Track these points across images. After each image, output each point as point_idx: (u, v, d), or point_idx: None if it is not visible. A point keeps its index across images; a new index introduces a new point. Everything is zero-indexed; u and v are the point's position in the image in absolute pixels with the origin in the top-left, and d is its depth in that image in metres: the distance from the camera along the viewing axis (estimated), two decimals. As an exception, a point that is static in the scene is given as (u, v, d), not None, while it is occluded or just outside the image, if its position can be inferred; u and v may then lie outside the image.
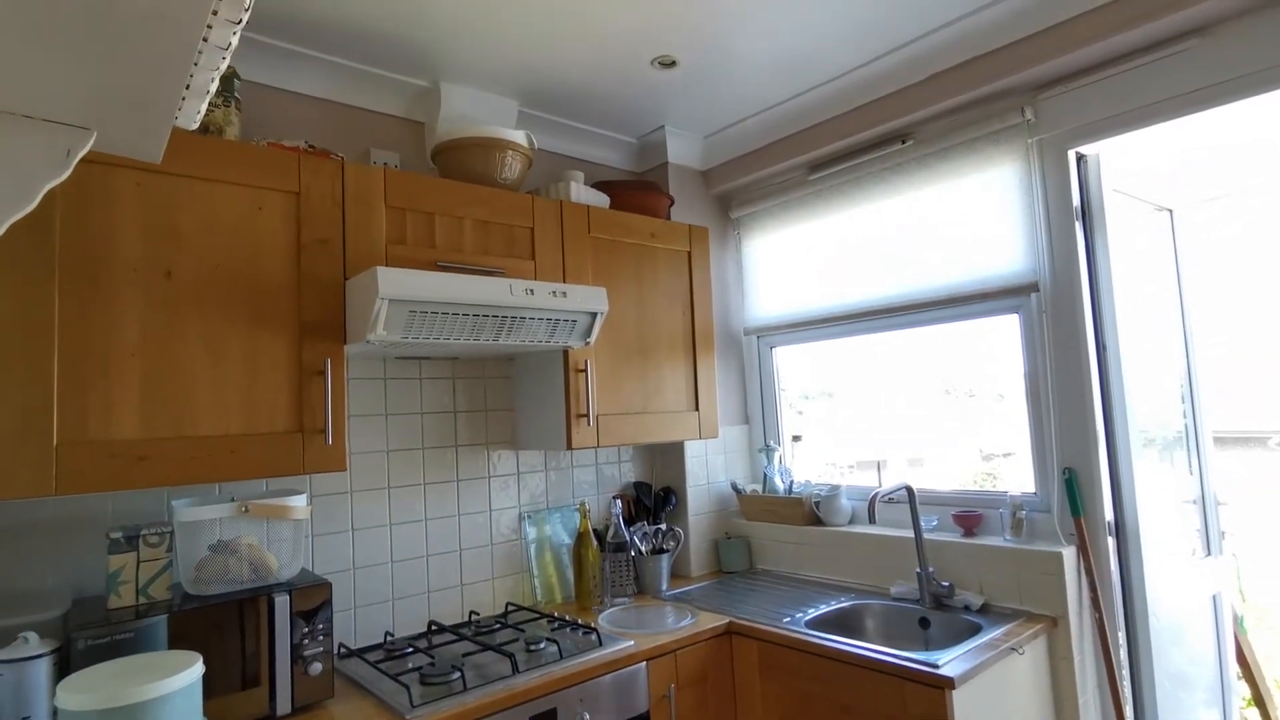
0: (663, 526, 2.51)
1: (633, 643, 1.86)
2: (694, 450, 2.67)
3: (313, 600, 1.57)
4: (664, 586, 2.41)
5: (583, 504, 2.34)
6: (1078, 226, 2.00)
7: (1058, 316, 2.01)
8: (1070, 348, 1.99)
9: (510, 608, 2.15)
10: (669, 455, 2.70)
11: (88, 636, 1.32)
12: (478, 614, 2.16)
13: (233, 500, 1.55)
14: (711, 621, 2.02)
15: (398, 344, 1.69)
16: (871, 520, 1.98)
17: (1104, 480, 1.95)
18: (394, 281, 1.58)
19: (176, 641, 1.41)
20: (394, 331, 1.63)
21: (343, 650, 1.89)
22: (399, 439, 2.12)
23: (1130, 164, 2.16)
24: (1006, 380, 2.18)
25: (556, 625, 1.99)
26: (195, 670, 1.18)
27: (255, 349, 1.59)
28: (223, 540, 1.55)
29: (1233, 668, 2.32)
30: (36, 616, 1.49)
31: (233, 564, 1.54)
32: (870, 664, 1.69)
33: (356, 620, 1.98)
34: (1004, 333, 2.18)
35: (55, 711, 1.10)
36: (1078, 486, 1.96)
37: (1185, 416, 2.29)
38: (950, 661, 1.62)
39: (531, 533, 2.35)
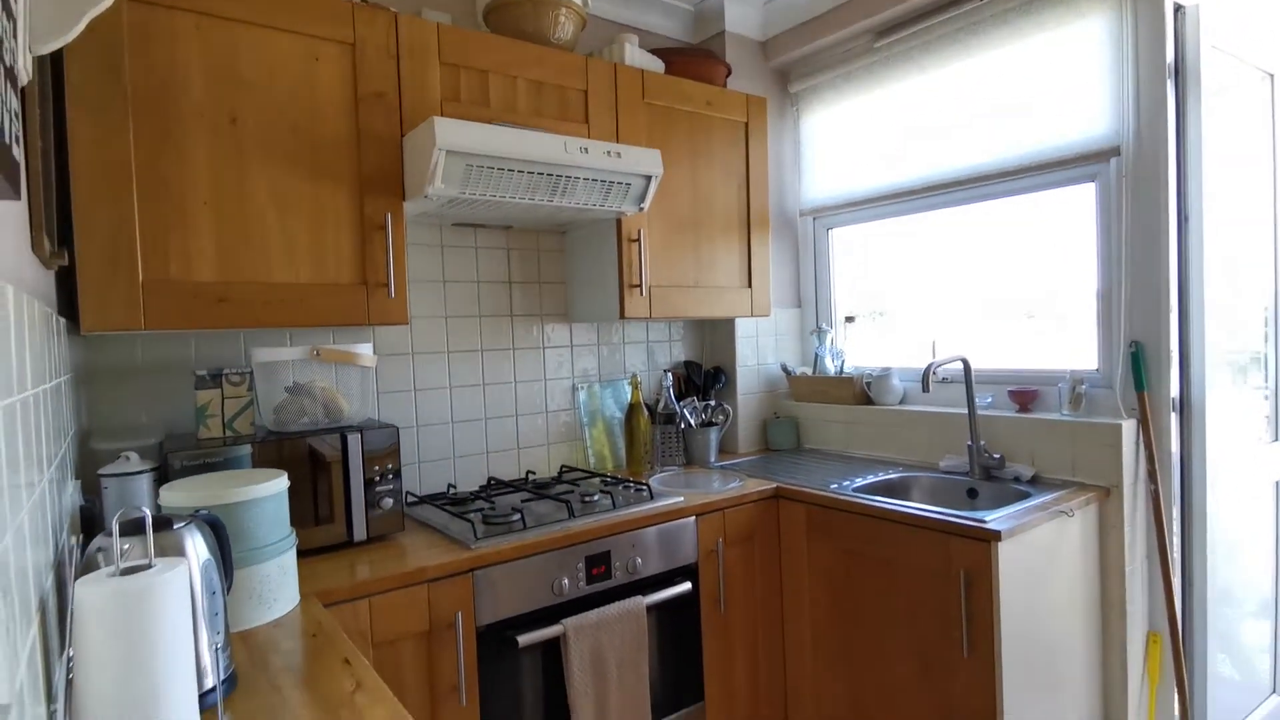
0: (712, 402, 2.55)
1: (683, 498, 1.93)
2: (745, 330, 2.67)
3: (382, 442, 1.66)
4: (712, 458, 2.47)
5: (634, 375, 2.38)
6: (1169, 85, 1.86)
7: (1139, 183, 1.90)
8: (1149, 216, 1.89)
9: (565, 469, 2.24)
10: (719, 335, 2.71)
11: (183, 457, 1.43)
12: (534, 473, 2.26)
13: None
14: (759, 486, 2.07)
15: (455, 200, 1.71)
16: (925, 389, 1.98)
17: (1173, 355, 1.89)
18: (451, 132, 1.59)
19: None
20: (451, 185, 1.65)
21: (410, 498, 2.01)
22: (456, 306, 2.17)
23: (1234, 18, 1.98)
24: (1071, 264, 2.09)
25: (609, 482, 2.07)
26: (282, 482, 1.27)
27: (319, 201, 1.63)
28: (297, 383, 1.64)
29: (1289, 554, 2.29)
30: (136, 442, 1.62)
31: (308, 405, 1.63)
32: (916, 520, 1.72)
33: (421, 474, 2.10)
34: (1072, 215, 2.08)
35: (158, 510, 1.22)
36: (1144, 361, 1.90)
37: (1267, 299, 2.18)
38: (998, 518, 1.64)
39: (584, 403, 2.42)
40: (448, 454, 2.15)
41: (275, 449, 1.53)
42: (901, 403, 2.46)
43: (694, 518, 1.91)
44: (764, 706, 2.06)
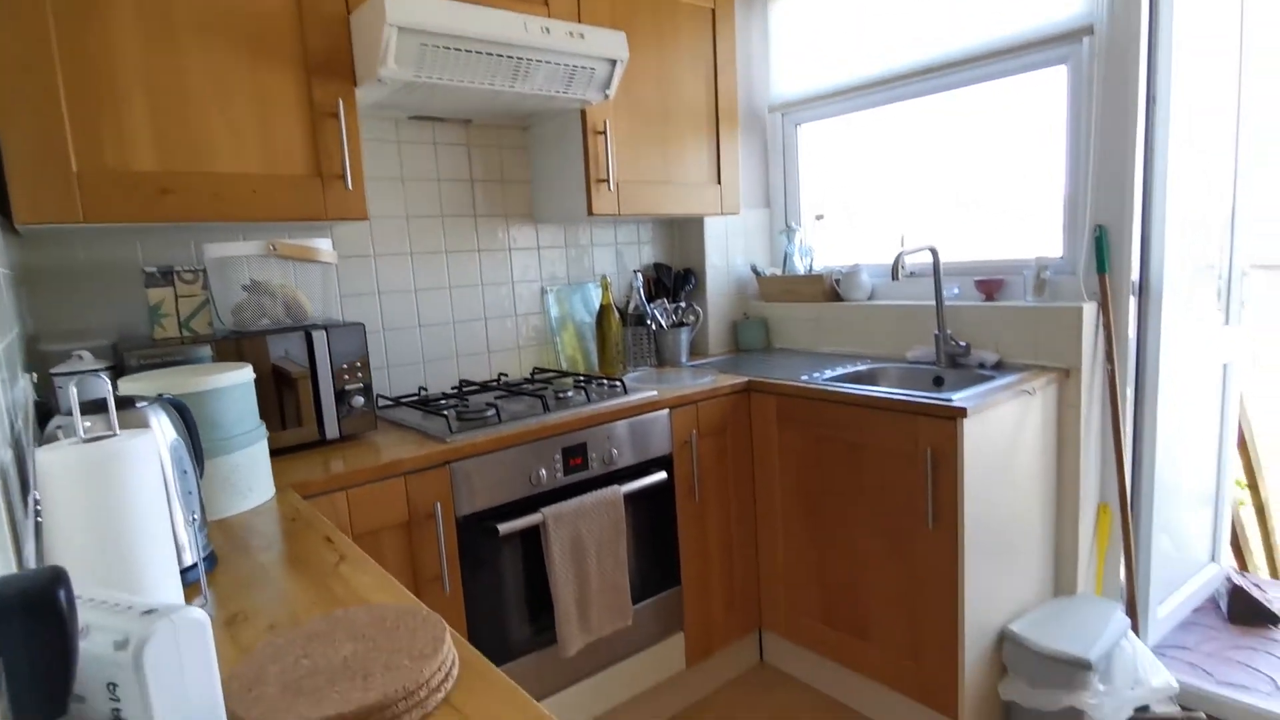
0: (682, 304, 2.54)
1: (656, 392, 1.94)
2: (714, 231, 2.64)
3: (348, 340, 1.62)
4: (684, 358, 2.48)
5: (604, 277, 2.35)
6: (1144, -43, 1.81)
7: (1110, 62, 1.88)
8: (1119, 96, 1.87)
9: (537, 371, 2.23)
10: (688, 237, 2.67)
11: (140, 356, 1.38)
12: (506, 375, 2.25)
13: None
14: (730, 380, 2.09)
15: (411, 85, 1.61)
16: (894, 277, 1.99)
17: (1134, 238, 1.92)
18: (403, 6, 1.48)
19: (224, 369, 1.47)
20: (405, 68, 1.55)
21: (381, 400, 1.99)
22: (417, 205, 2.09)
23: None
24: (1040, 151, 2.08)
25: (583, 380, 2.06)
26: (246, 373, 1.24)
27: (263, 85, 1.52)
28: (255, 280, 1.58)
29: (1233, 434, 2.41)
30: (88, 343, 1.56)
31: (268, 304, 1.58)
32: (885, 404, 1.76)
33: (391, 378, 2.07)
34: (1042, 101, 2.05)
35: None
36: (1107, 244, 1.93)
37: (1226, 185, 2.21)
38: (964, 397, 1.68)
39: (554, 307, 2.39)
40: (417, 358, 2.12)
41: (236, 349, 1.49)
42: (870, 298, 2.48)
43: (667, 411, 1.93)
44: (738, 587, 2.14)
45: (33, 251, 1.56)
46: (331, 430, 1.60)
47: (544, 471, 1.68)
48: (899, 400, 1.73)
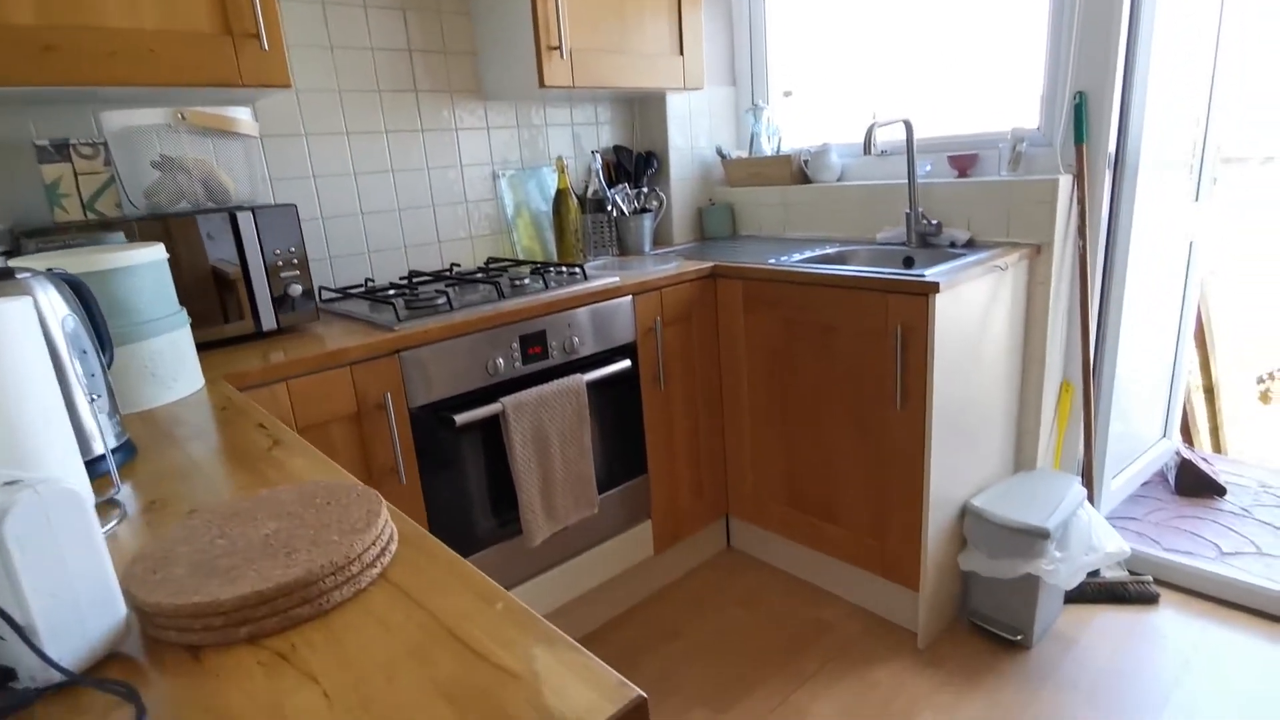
0: (645, 189, 2.41)
1: (618, 278, 1.85)
2: (677, 110, 2.47)
3: (279, 224, 1.48)
4: (647, 246, 2.37)
5: (559, 158, 2.20)
6: None
7: (1101, -94, 1.73)
8: (1108, -55, 1.74)
9: (491, 260, 2.11)
10: (650, 116, 2.51)
11: (39, 241, 1.24)
12: (459, 264, 2.13)
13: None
14: (695, 265, 2.00)
15: (327, -76, 1.41)
16: (866, 151, 1.88)
17: (1114, 107, 1.83)
18: None
19: (139, 254, 1.34)
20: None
21: (325, 293, 1.87)
22: (351, 78, 1.90)
23: None
24: (1020, 15, 1.95)
25: (540, 268, 1.96)
26: (158, 251, 1.11)
27: (152, -78, 1.31)
28: (166, 156, 1.42)
29: (1193, 314, 2.42)
30: (-21, 230, 1.40)
31: (184, 182, 1.42)
32: (856, 282, 1.70)
33: (334, 270, 1.94)
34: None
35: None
36: (1086, 111, 1.84)
37: (1207, 55, 2.11)
38: (936, 272, 1.63)
39: (507, 193, 2.24)
40: (361, 248, 1.98)
41: (156, 233, 1.34)
42: (840, 180, 2.38)
43: (630, 297, 1.84)
44: (705, 474, 2.13)
45: (-98, 125, 1.37)
46: (269, 322, 1.49)
47: (501, 361, 1.60)
48: (869, 278, 1.67)
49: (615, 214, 2.33)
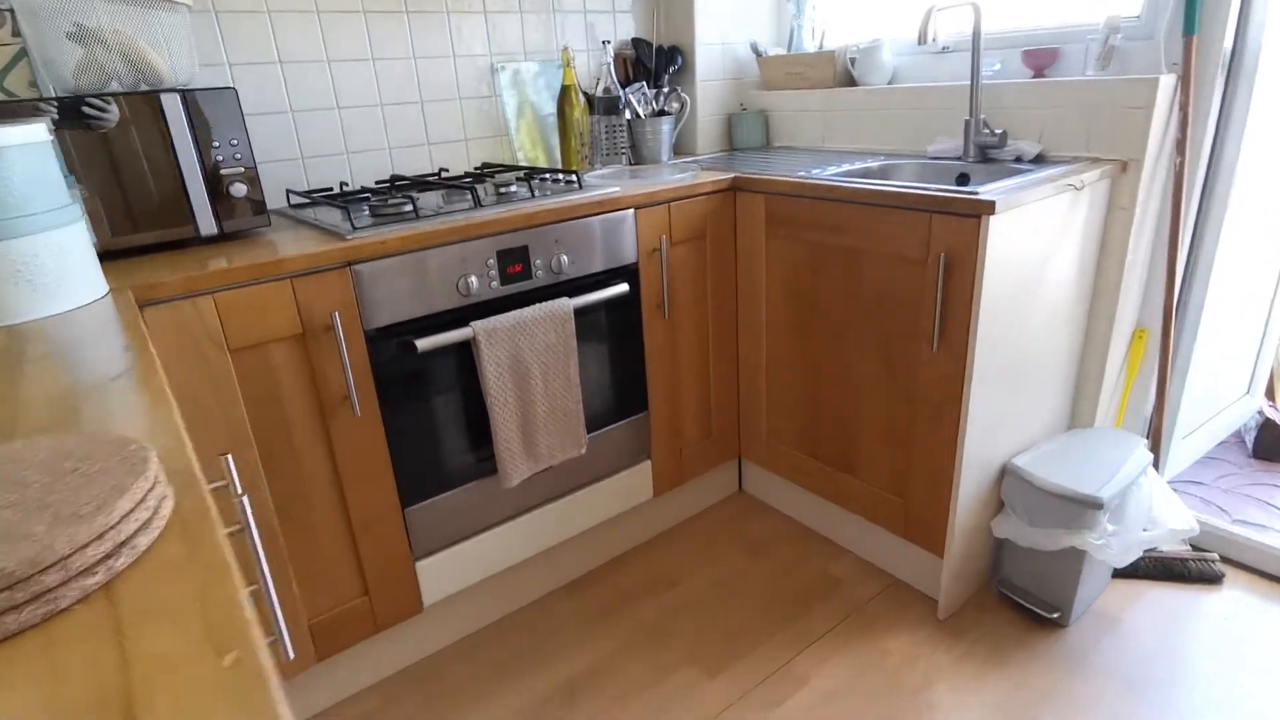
0: (665, 89, 2.12)
1: (618, 189, 1.61)
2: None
3: (217, 110, 1.28)
4: (664, 155, 2.11)
5: (565, 50, 1.93)
6: None
7: None
8: None
9: (485, 166, 1.89)
10: (675, 7, 2.19)
11: (-78, 120, 1.06)
12: (447, 170, 1.91)
13: (78, -31, 1.18)
14: (713, 177, 1.74)
15: None
16: (921, 41, 1.57)
17: (1240, -13, 1.47)
18: None
19: (49, 141, 1.16)
20: None
21: (293, 197, 1.68)
22: (321, -55, 1.65)
23: None
24: None
25: (531, 174, 1.73)
26: (37, 131, 0.93)
27: None
28: (82, 26, 1.21)
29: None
30: None
31: (102, 57, 1.22)
32: (894, 199, 1.43)
33: (307, 172, 1.74)
34: None
35: None
36: (1203, -7, 1.48)
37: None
38: (992, 190, 1.35)
39: (508, 91, 1.99)
40: (339, 148, 1.77)
41: (74, 116, 1.16)
42: (890, 83, 2.05)
43: (632, 211, 1.61)
44: (715, 413, 1.94)
45: None
46: (207, 225, 1.31)
47: (474, 280, 1.40)
48: (911, 193, 1.40)
49: (630, 116, 2.06)
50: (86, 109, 1.16)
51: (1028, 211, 1.38)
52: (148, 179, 1.24)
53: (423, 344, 1.33)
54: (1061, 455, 1.58)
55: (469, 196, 1.48)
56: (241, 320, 1.18)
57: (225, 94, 1.28)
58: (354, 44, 1.73)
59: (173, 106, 1.23)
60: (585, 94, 2.01)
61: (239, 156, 1.31)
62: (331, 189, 1.68)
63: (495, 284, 1.43)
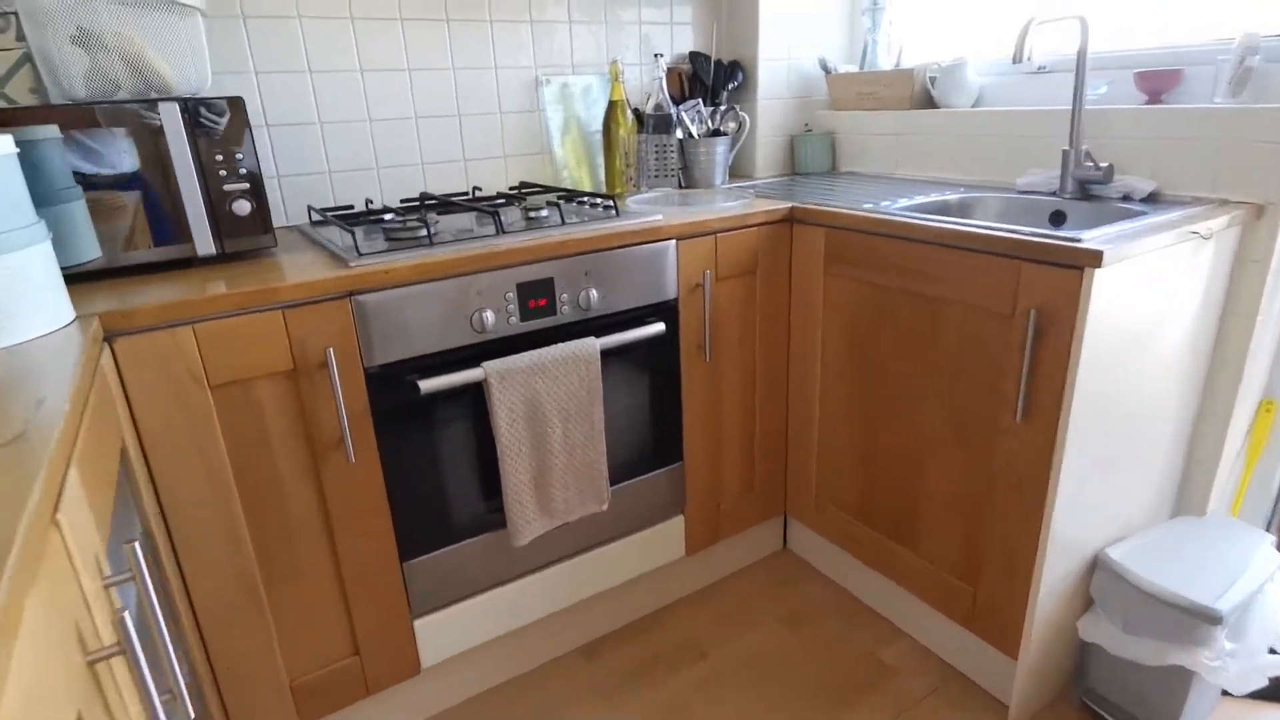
0: (723, 107, 1.96)
1: (660, 216, 1.45)
2: (772, 9, 1.98)
3: (219, 120, 1.18)
4: (719, 178, 1.94)
5: (614, 63, 1.79)
6: None
7: None
8: None
9: (523, 185, 1.76)
10: (738, 17, 2.03)
11: (-97, 126, 0.99)
12: (481, 189, 1.79)
13: (82, -32, 1.10)
14: (768, 206, 1.57)
15: None
16: (1017, 59, 1.36)
17: None
18: None
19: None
20: None
21: (314, 215, 1.59)
22: (358, -51, 1.55)
23: None
24: None
25: (561, 197, 1.59)
26: (5, 141, 0.83)
27: None
28: (84, 29, 1.13)
29: None
30: None
31: (104, 63, 1.14)
32: (977, 242, 1.23)
33: (334, 187, 1.64)
34: None
35: None
36: (1371, 8, 1.23)
37: None
38: (1097, 237, 1.13)
39: (552, 104, 1.86)
40: (369, 163, 1.67)
41: (79, 124, 1.07)
42: (975, 105, 1.84)
43: (674, 242, 1.44)
44: (759, 466, 1.75)
45: None
46: (205, 246, 1.21)
47: (490, 314, 1.26)
48: (998, 236, 1.19)
49: (682, 136, 1.90)
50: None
51: (1140, 263, 1.15)
52: (156, 197, 1.14)
53: (426, 385, 1.19)
54: (1167, 549, 1.33)
55: (492, 221, 1.35)
56: (224, 353, 1.06)
57: (232, 103, 1.18)
58: (389, 53, 1.63)
59: (171, 116, 1.13)
60: (635, 110, 1.87)
61: (244, 171, 1.21)
62: (353, 206, 1.57)
63: (514, 319, 1.29)
